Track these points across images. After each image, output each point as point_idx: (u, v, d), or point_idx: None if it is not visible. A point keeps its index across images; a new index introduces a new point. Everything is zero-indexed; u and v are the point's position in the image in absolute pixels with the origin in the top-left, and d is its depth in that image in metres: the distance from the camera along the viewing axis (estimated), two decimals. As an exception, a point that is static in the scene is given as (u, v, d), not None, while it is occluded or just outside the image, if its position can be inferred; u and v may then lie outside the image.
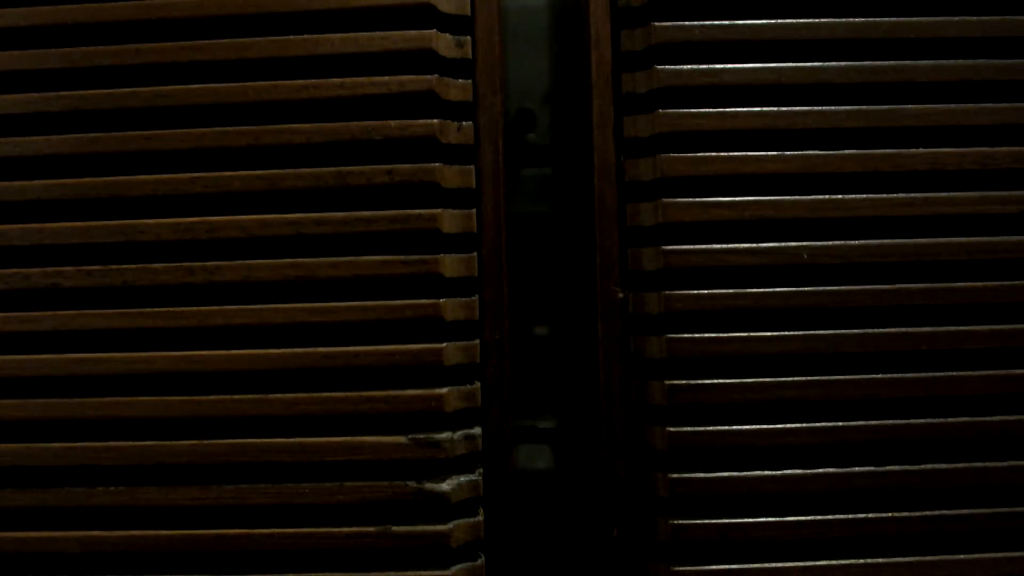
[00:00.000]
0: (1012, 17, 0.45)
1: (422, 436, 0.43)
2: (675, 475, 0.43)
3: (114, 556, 0.43)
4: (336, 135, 0.44)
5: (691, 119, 0.44)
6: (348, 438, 0.43)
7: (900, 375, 0.43)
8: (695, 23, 0.44)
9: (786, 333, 0.43)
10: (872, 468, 0.43)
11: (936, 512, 0.43)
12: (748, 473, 0.43)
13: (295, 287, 0.44)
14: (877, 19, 0.45)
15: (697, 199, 0.44)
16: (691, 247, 0.44)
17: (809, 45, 0.44)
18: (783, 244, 0.44)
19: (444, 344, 0.44)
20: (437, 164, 0.44)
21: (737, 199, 0.44)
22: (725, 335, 0.43)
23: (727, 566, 0.42)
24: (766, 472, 0.43)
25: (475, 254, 0.45)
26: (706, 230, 0.44)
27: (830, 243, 0.44)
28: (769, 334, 0.43)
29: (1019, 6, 0.45)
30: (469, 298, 0.45)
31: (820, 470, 0.43)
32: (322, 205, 0.44)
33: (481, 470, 0.45)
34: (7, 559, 0.44)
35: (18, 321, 0.44)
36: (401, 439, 0.43)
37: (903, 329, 0.43)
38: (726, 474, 0.43)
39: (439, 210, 0.44)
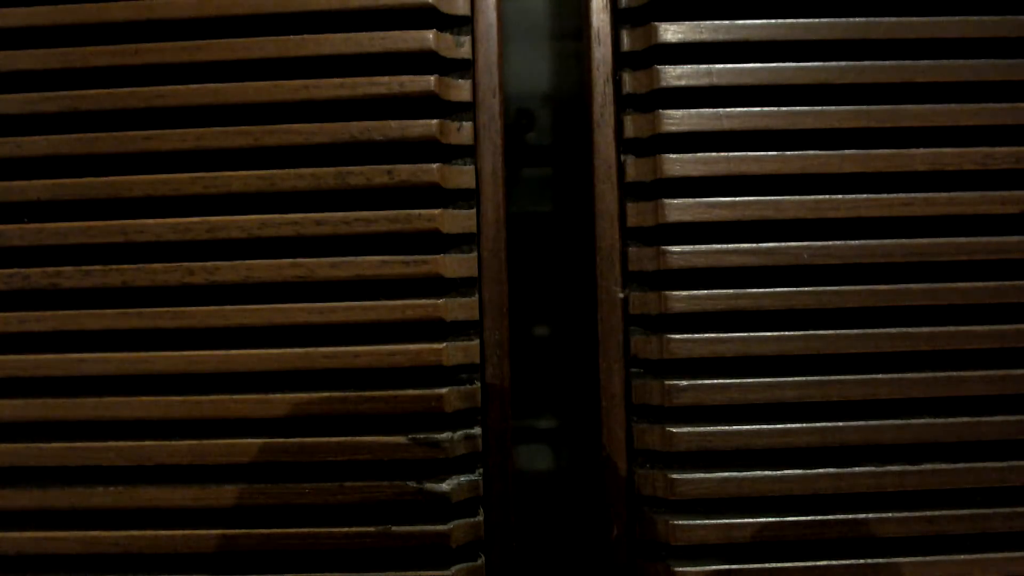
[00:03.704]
0: (1012, 17, 0.45)
1: (422, 436, 0.43)
2: (675, 475, 0.43)
3: (114, 556, 0.43)
4: (336, 135, 0.44)
5: (691, 119, 0.44)
6: (348, 438, 0.43)
7: (900, 375, 0.43)
8: (695, 23, 0.44)
9: (786, 334, 0.43)
10: (872, 468, 0.43)
11: (936, 512, 0.43)
12: (748, 473, 0.43)
13: (295, 287, 0.44)
14: (877, 19, 0.45)
15: (697, 199, 0.44)
16: (691, 247, 0.44)
17: (809, 45, 0.44)
18: (783, 244, 0.44)
19: (444, 344, 0.44)
20: (437, 164, 0.44)
21: (737, 199, 0.44)
22: (725, 335, 0.43)
23: (727, 566, 0.42)
24: (766, 472, 0.43)
25: (475, 254, 0.45)
26: (706, 230, 0.44)
27: (830, 243, 0.44)
28: (769, 335, 0.43)
29: (1019, 6, 0.45)
30: (469, 298, 0.45)
31: (820, 470, 0.43)
32: (322, 205, 0.44)
33: (481, 470, 0.45)
34: (7, 559, 0.44)
35: (18, 321, 0.44)
36: (401, 439, 0.43)
37: (903, 329, 0.43)
38: (726, 474, 0.43)
39: (439, 210, 0.44)
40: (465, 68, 0.46)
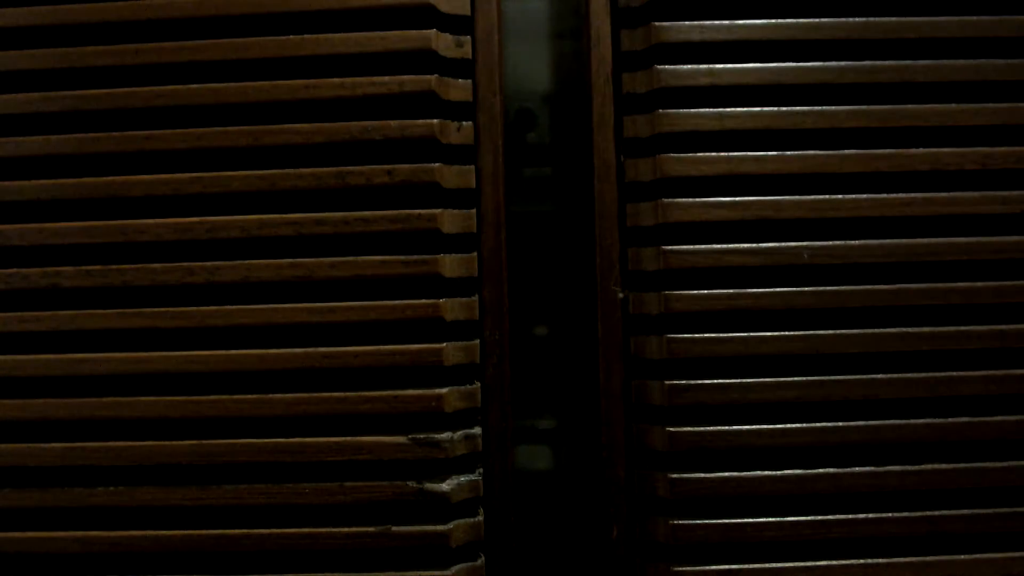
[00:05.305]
0: (1012, 17, 0.45)
1: (422, 436, 0.43)
2: (675, 475, 0.43)
3: (114, 556, 0.43)
4: (336, 135, 0.44)
5: (691, 119, 0.44)
6: (348, 438, 0.43)
7: (900, 375, 0.43)
8: (695, 23, 0.44)
9: (786, 333, 0.43)
10: (872, 468, 0.43)
11: (936, 512, 0.43)
12: (748, 473, 0.43)
13: (295, 287, 0.44)
14: (877, 19, 0.45)
15: (697, 199, 0.44)
16: (691, 247, 0.44)
17: (809, 45, 0.44)
18: (783, 244, 0.44)
19: (444, 344, 0.44)
20: (437, 164, 0.44)
21: (737, 199, 0.44)
22: (725, 335, 0.43)
23: (727, 566, 0.42)
24: (766, 472, 0.43)
25: (475, 254, 0.45)
26: (706, 230, 0.44)
27: (830, 243, 0.44)
28: (769, 334, 0.43)
29: (1019, 6, 0.45)
30: (469, 298, 0.45)
31: (820, 470, 0.43)
32: (322, 205, 0.44)
33: (481, 470, 0.45)
34: (7, 559, 0.44)
35: (18, 321, 0.44)
36: (401, 439, 0.43)
37: (903, 329, 0.43)
38: (726, 474, 0.43)
39: (439, 210, 0.44)
40: (465, 68, 0.46)
